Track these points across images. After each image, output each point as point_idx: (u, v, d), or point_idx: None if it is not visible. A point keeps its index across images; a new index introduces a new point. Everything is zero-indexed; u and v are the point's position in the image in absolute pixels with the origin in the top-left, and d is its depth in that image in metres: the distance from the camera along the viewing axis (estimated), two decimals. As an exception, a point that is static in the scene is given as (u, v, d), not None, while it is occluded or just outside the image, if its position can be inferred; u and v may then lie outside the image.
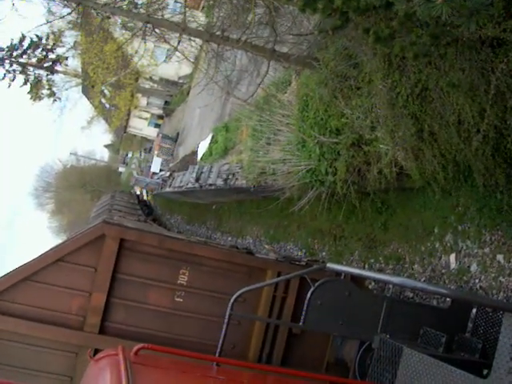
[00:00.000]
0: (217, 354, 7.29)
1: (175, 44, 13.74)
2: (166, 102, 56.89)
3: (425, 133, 8.14)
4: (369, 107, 9.87)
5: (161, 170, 38.92)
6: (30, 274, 9.29)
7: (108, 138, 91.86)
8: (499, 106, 6.95)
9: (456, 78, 7.01)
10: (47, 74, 34.87)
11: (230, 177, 19.10)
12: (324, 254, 14.90)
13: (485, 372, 7.17)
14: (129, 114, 58.58)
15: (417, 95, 7.92)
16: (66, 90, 39.27)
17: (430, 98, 7.78)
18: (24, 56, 33.49)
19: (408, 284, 7.03)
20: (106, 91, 45.43)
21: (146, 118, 63.15)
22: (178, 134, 42.68)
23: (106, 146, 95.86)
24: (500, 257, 9.05)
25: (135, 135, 68.81)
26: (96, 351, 6.44)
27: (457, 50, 6.89)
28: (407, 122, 8.22)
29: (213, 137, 24.60)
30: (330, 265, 8.05)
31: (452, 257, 10.14)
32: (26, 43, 33.33)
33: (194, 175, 23.81)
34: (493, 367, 5.31)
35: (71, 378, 9.52)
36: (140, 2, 13.21)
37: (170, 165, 38.46)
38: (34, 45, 33.56)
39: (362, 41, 8.90)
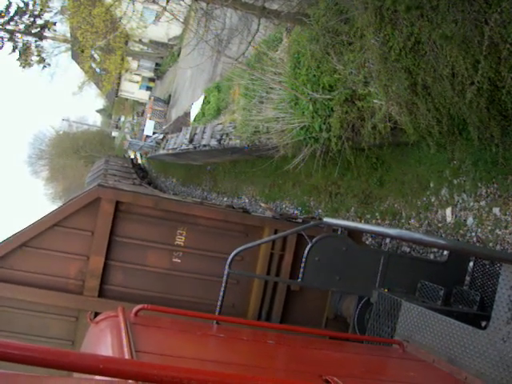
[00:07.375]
0: (216, 313, 7.33)
1: (164, 4, 13.62)
2: (156, 64, 56.68)
3: (418, 86, 8.08)
4: (361, 62, 9.81)
5: (154, 133, 38.76)
6: (27, 240, 9.29)
7: (100, 103, 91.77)
8: (493, 58, 6.89)
9: (449, 30, 6.94)
10: (36, 40, 34.70)
11: (224, 137, 19.03)
12: (320, 211, 14.92)
13: (483, 324, 7.23)
14: (120, 78, 58.28)
15: (409, 49, 7.84)
16: (56, 55, 38.97)
17: (423, 52, 7.71)
18: (11, 23, 33.26)
19: (405, 235, 6.97)
20: (95, 55, 45.08)
21: (137, 82, 62.90)
22: (170, 95, 42.48)
23: (98, 111, 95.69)
24: (496, 210, 9.07)
25: (127, 99, 68.60)
26: (96, 315, 6.45)
27: (449, 2, 6.82)
28: (400, 76, 8.16)
29: (205, 97, 24.47)
30: (326, 219, 8.06)
31: (448, 211, 10.16)
32: (12, 10, 33.07)
33: (188, 136, 23.75)
34: (491, 318, 5.35)
35: (72, 342, 9.58)
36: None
37: (163, 127, 38.32)
38: (20, 11, 33.33)
39: (353, -6, 8.81)
